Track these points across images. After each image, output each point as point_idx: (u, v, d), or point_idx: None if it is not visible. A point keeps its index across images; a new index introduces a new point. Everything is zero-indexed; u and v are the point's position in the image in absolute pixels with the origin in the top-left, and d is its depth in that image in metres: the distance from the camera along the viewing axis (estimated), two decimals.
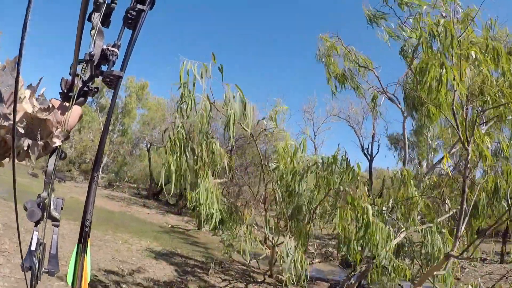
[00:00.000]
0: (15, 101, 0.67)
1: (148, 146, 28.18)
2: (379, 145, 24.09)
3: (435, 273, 6.37)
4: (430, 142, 20.84)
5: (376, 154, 23.19)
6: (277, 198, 7.19)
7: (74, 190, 21.87)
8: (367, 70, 11.17)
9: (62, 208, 1.09)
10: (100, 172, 31.17)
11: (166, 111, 25.70)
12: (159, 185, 5.47)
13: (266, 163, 8.12)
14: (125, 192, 28.92)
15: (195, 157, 5.72)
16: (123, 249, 10.28)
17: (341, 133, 45.86)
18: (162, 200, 28.51)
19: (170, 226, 17.43)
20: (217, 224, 6.08)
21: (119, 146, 32.19)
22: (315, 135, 24.44)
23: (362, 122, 24.08)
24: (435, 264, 6.47)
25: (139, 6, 0.97)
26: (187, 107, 5.12)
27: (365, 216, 5.70)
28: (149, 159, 28.11)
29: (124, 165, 32.31)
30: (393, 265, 6.21)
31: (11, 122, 0.83)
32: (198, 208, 5.63)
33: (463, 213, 6.10)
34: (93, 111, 33.63)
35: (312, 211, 7.05)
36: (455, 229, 8.04)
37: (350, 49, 10.53)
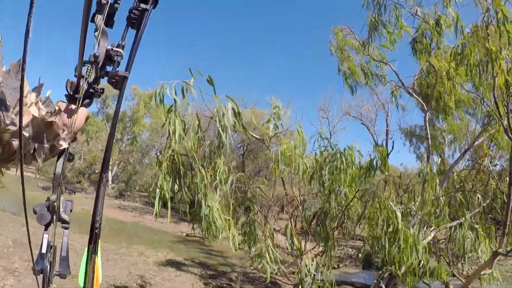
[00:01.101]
0: (20, 110, 0.68)
1: (158, 154, 27.70)
2: (393, 142, 23.37)
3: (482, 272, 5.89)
4: (444, 136, 20.14)
5: (391, 151, 22.49)
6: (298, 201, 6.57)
7: (84, 201, 21.42)
8: (382, 64, 10.69)
9: (71, 210, 1.07)
10: (110, 182, 30.82)
11: None
12: (155, 208, 5.12)
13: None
14: (136, 202, 28.48)
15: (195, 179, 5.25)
16: (139, 262, 9.77)
17: (355, 131, 45.08)
18: (174, 208, 27.96)
19: (185, 234, 16.89)
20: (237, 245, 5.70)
21: (129, 155, 31.79)
22: (330, 135, 23.76)
23: (375, 120, 23.36)
24: (483, 263, 6.04)
25: (142, 5, 0.97)
26: (173, 132, 4.65)
27: (394, 220, 5.20)
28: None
29: (134, 174, 31.88)
30: (424, 266, 5.68)
31: (16, 127, 0.82)
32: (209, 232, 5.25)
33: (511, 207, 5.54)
34: (99, 120, 33.33)
35: (340, 214, 6.49)
36: (493, 225, 7.51)
37: (364, 41, 10.01)
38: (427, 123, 11.07)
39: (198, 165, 4.99)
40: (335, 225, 6.60)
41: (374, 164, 6.09)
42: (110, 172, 30.83)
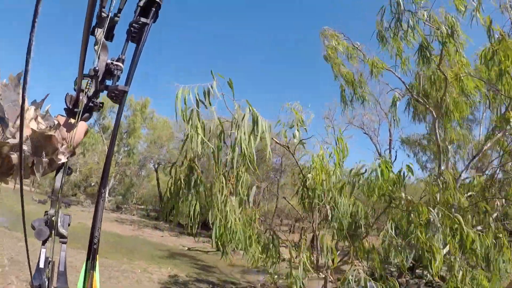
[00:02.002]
0: (21, 124, 0.69)
1: (156, 166, 27.14)
2: (396, 152, 22.95)
3: None
4: (447, 145, 19.83)
5: (394, 160, 22.10)
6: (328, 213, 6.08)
7: (81, 215, 20.73)
8: (381, 71, 10.27)
9: (69, 224, 1.07)
10: (107, 195, 30.11)
11: (174, 129, 24.74)
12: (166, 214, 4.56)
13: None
14: (134, 214, 27.79)
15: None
16: (144, 280, 9.20)
17: (359, 141, 44.69)
18: (173, 221, 27.31)
19: (186, 248, 16.28)
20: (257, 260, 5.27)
21: (126, 167, 31.14)
22: (336, 144, 23.26)
23: (378, 129, 22.98)
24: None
25: (142, 19, 0.97)
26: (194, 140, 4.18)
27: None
28: (157, 179, 27.04)
29: (131, 186, 31.20)
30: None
31: (15, 141, 0.82)
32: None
33: None
34: (96, 132, 32.69)
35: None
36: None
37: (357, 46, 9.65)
38: (437, 130, 10.74)
39: (219, 173, 4.47)
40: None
41: (402, 176, 5.79)
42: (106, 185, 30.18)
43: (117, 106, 1.02)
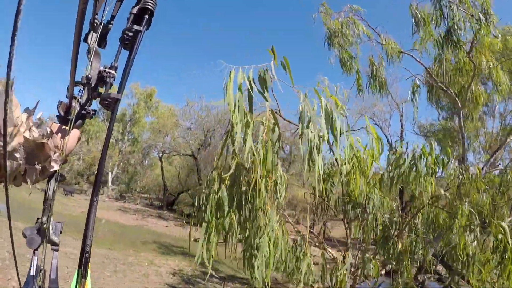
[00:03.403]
0: (5, 129, 0.72)
1: (160, 154, 26.63)
2: (407, 143, 22.37)
3: None
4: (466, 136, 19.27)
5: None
6: None
7: (84, 204, 20.39)
8: (401, 55, 9.63)
9: (61, 232, 1.06)
10: (110, 184, 29.72)
11: (179, 118, 24.17)
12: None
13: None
14: (137, 204, 27.41)
15: None
16: (151, 273, 8.74)
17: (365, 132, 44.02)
18: (177, 211, 26.98)
19: (192, 239, 15.80)
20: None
21: (130, 155, 30.69)
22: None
23: (389, 120, 22.41)
24: None
25: (135, 27, 0.98)
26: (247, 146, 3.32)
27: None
28: (162, 168, 26.57)
29: (135, 175, 30.79)
30: None
31: (8, 148, 0.82)
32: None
33: None
34: (100, 121, 32.20)
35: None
36: None
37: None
38: (462, 121, 10.14)
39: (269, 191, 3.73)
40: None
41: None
42: (110, 173, 29.76)
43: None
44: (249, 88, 3.00)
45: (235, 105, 3.09)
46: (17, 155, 0.85)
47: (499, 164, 15.69)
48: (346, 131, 4.14)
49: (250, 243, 3.89)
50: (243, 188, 3.65)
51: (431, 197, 5.38)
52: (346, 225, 5.82)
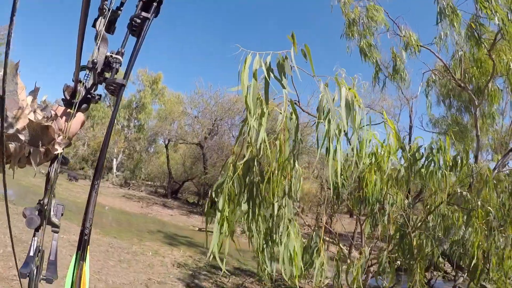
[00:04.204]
0: (2, 110, 0.69)
1: (166, 142, 26.41)
2: (422, 139, 21.98)
3: None
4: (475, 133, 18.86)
5: None
6: None
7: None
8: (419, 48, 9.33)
9: (62, 214, 1.05)
10: (115, 170, 29.64)
11: (187, 105, 23.90)
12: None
13: None
14: (142, 191, 27.32)
15: None
16: (156, 264, 8.56)
17: (378, 126, 43.64)
18: (182, 199, 26.87)
19: (197, 229, 15.69)
20: None
21: (136, 142, 30.52)
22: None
23: (399, 115, 22.01)
24: None
25: (143, 14, 0.98)
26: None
27: None
28: (167, 156, 26.40)
29: (140, 162, 30.65)
30: None
31: (13, 130, 0.84)
32: None
33: None
34: (106, 106, 32.00)
35: None
36: None
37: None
38: (477, 119, 9.83)
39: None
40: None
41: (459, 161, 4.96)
42: (115, 159, 29.65)
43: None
44: (266, 75, 2.71)
45: (249, 92, 2.85)
46: (22, 137, 0.87)
47: (508, 163, 15.38)
48: (367, 124, 3.89)
49: (268, 238, 3.68)
50: (256, 178, 3.44)
51: (448, 194, 5.14)
52: (360, 221, 5.58)
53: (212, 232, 3.19)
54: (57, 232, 1.05)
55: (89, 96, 1.05)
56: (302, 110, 5.14)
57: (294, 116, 3.25)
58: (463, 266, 6.63)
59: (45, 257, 1.05)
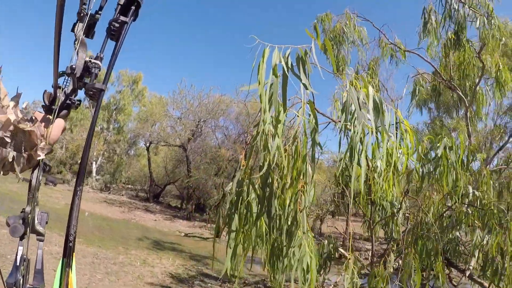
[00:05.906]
0: None
1: (147, 144, 25.76)
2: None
3: None
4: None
5: None
6: None
7: (67, 195, 19.47)
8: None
9: (47, 222, 1.05)
10: (94, 174, 28.75)
11: (169, 106, 23.33)
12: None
13: None
14: (123, 195, 26.57)
15: None
16: (146, 275, 8.15)
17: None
18: (164, 203, 26.28)
19: (183, 234, 15.27)
20: None
21: (116, 145, 29.70)
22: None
23: None
24: None
25: (122, 18, 0.97)
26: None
27: None
28: (149, 159, 25.76)
29: (120, 165, 29.83)
30: None
31: None
32: None
33: None
34: (84, 108, 31.03)
35: None
36: None
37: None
38: (468, 120, 9.96)
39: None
40: None
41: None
42: (94, 163, 28.76)
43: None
44: (285, 70, 2.44)
45: (266, 91, 2.57)
46: (7, 140, 0.86)
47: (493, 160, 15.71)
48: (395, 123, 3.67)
49: (279, 253, 3.41)
50: (278, 192, 3.16)
51: (461, 194, 5.02)
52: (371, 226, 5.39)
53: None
54: (42, 241, 1.05)
55: (68, 102, 1.04)
56: (318, 112, 4.90)
57: (313, 119, 2.99)
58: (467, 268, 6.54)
59: (30, 266, 1.03)
